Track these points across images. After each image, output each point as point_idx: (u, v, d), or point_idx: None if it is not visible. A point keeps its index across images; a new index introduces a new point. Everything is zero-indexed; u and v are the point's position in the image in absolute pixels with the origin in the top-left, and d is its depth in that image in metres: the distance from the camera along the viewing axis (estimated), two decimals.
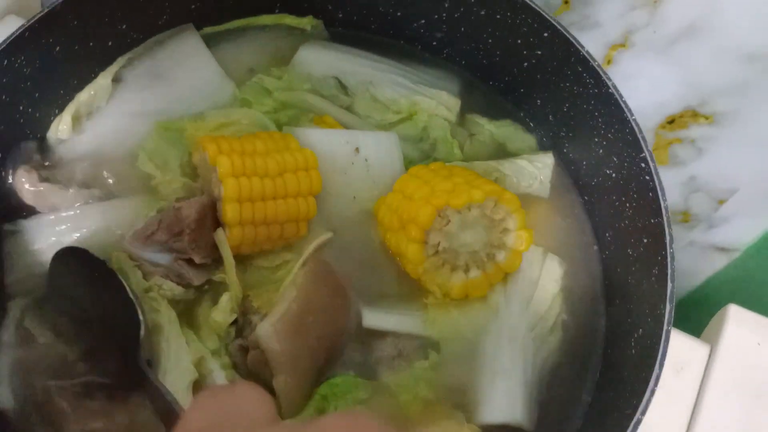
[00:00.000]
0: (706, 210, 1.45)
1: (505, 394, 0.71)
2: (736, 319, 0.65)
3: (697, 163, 1.38)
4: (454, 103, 0.85)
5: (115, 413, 0.66)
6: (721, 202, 1.44)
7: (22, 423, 0.67)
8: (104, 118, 0.79)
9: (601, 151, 0.74)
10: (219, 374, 0.68)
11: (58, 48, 0.74)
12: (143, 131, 0.78)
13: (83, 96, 0.78)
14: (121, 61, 0.80)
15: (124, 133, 0.78)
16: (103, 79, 0.78)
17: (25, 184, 0.74)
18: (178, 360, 0.68)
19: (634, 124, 0.66)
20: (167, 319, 0.69)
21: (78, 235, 0.73)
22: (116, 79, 0.79)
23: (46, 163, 0.77)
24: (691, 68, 1.27)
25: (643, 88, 1.10)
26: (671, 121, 1.32)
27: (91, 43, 0.77)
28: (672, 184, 1.38)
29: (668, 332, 0.57)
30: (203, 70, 0.82)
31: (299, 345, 0.67)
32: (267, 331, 0.65)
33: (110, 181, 0.77)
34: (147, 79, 0.80)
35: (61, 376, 0.68)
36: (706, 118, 1.37)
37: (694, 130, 1.35)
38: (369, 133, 0.81)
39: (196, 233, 0.67)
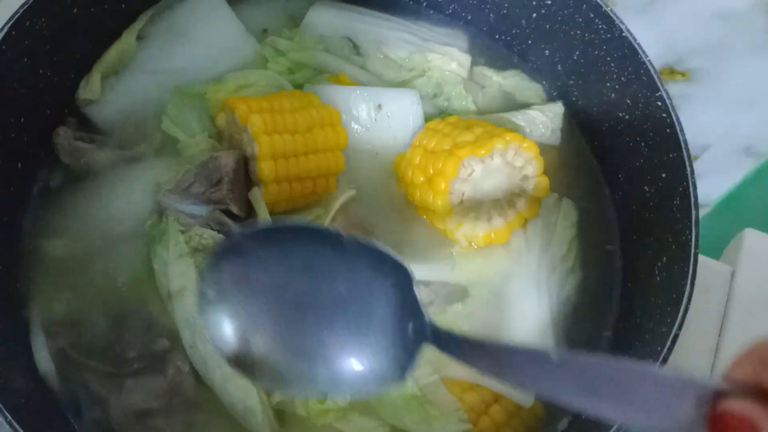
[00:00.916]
0: None
1: (534, 331, 0.75)
2: (753, 241, 0.70)
3: None
4: (465, 59, 0.88)
5: (154, 385, 0.67)
6: (695, 158, 1.51)
7: (64, 397, 0.68)
8: (130, 77, 0.80)
9: (613, 95, 0.77)
10: None
11: (75, 10, 0.74)
12: (167, 89, 0.79)
13: (110, 54, 0.78)
14: (144, 18, 0.80)
15: (149, 91, 0.79)
16: (128, 37, 0.79)
17: (62, 143, 0.74)
18: None
19: (649, 64, 0.70)
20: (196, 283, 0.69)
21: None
22: (140, 37, 0.80)
23: (78, 124, 0.78)
24: (669, 27, 1.33)
25: None
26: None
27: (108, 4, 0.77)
28: None
29: (696, 254, 0.62)
30: (225, 27, 0.83)
31: None
32: None
33: (140, 142, 0.78)
34: (169, 36, 0.81)
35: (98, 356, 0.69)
36: (683, 74, 1.43)
37: (671, 87, 1.41)
38: (391, 89, 0.83)
39: (234, 183, 0.69)
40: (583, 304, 0.78)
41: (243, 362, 0.51)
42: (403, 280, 0.51)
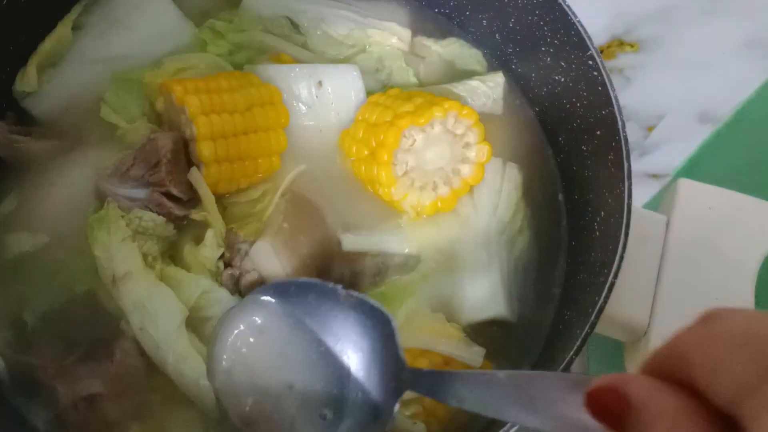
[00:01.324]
0: (637, 138, 1.53)
1: (486, 292, 0.76)
2: (687, 190, 0.71)
3: (626, 92, 1.46)
4: (405, 33, 0.88)
5: (101, 370, 0.67)
6: (651, 129, 1.53)
7: (14, 390, 0.68)
8: (68, 67, 0.79)
9: (548, 59, 0.79)
10: (230, 301, 0.69)
11: (5, 2, 0.73)
12: (106, 78, 0.78)
13: (45, 46, 0.78)
14: (78, 8, 0.80)
15: (87, 81, 0.79)
16: (63, 27, 0.78)
17: None
18: (163, 303, 0.68)
19: (579, 25, 0.71)
20: (142, 267, 0.69)
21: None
22: (76, 27, 0.79)
23: (16, 116, 0.77)
24: None
25: None
26: (600, 52, 1.38)
27: None
28: None
29: (629, 205, 0.63)
30: (161, 13, 0.83)
31: (295, 262, 0.70)
32: (266, 246, 0.68)
33: (78, 132, 0.77)
34: (106, 24, 0.81)
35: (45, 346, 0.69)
36: (632, 46, 1.45)
37: (621, 59, 1.43)
38: (331, 66, 0.83)
39: (172, 164, 0.68)
40: (532, 263, 0.79)
41: (248, 420, 0.58)
42: (387, 328, 0.56)
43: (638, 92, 1.46)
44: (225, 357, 0.60)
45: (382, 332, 0.57)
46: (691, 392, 0.32)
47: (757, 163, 1.16)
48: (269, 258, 0.67)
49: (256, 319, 0.60)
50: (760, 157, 1.17)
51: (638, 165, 1.53)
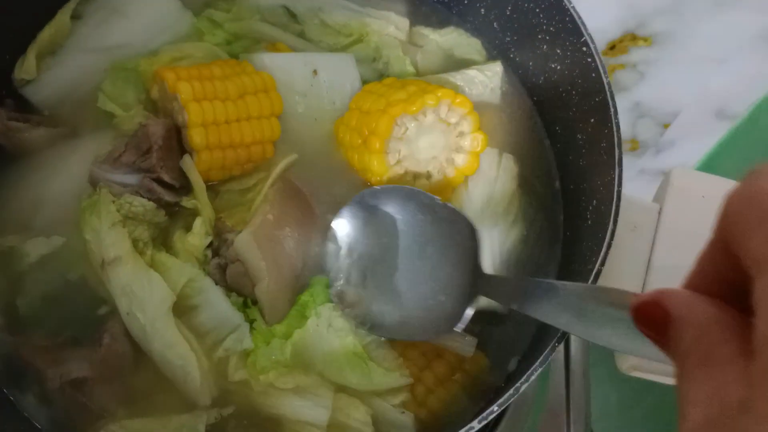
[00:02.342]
0: (653, 135, 1.51)
1: None
2: (681, 178, 0.70)
3: (640, 87, 1.43)
4: (403, 22, 0.88)
5: (89, 354, 0.68)
6: (666, 126, 1.50)
7: (3, 374, 0.69)
8: (67, 56, 0.80)
9: (545, 47, 0.77)
10: (214, 291, 0.69)
11: None
12: (104, 67, 0.79)
13: (45, 34, 0.79)
14: None
15: (85, 69, 0.79)
16: (63, 16, 0.79)
17: None
18: (152, 288, 0.68)
19: (573, 11, 0.70)
20: (131, 252, 0.70)
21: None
22: (75, 16, 0.80)
23: (14, 104, 0.78)
24: None
25: (583, 15, 1.14)
26: (612, 47, 1.37)
27: None
28: (619, 111, 1.42)
29: (619, 192, 0.62)
30: (159, 3, 0.83)
31: (278, 252, 0.70)
32: (247, 238, 0.67)
33: (76, 120, 0.78)
34: (104, 14, 0.81)
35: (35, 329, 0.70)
36: (645, 40, 1.42)
37: (635, 53, 1.40)
38: (326, 54, 0.83)
39: (163, 151, 0.69)
40: (526, 254, 0.78)
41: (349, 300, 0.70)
42: (473, 240, 0.66)
43: (652, 88, 1.43)
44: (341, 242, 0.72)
45: (468, 243, 0.66)
46: (726, 302, 0.34)
47: None
48: (251, 250, 0.67)
49: (366, 214, 0.72)
50: None
51: (653, 163, 1.50)
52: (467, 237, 0.66)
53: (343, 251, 0.73)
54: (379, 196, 0.72)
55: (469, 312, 0.64)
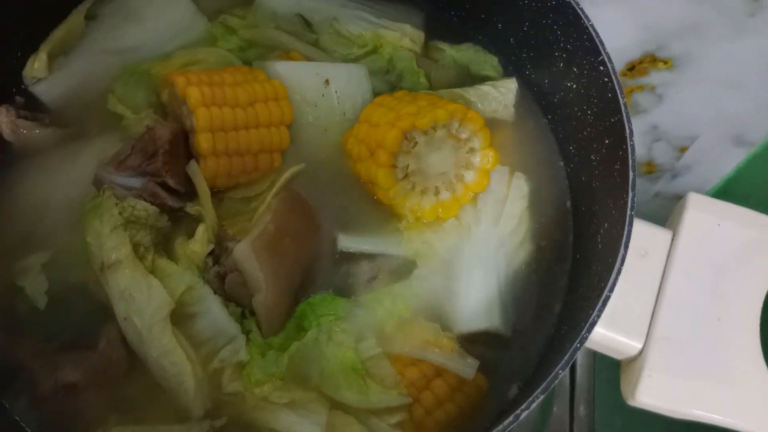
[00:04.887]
0: (669, 159, 1.49)
1: (481, 303, 0.73)
2: (696, 204, 0.68)
3: (658, 110, 1.41)
4: (418, 35, 0.87)
5: (83, 360, 0.67)
6: (683, 149, 1.48)
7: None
8: (78, 57, 0.80)
9: (561, 64, 0.76)
10: (212, 300, 0.68)
11: None
12: (116, 69, 0.79)
13: (58, 34, 0.78)
14: None
15: (97, 70, 0.79)
16: (76, 17, 0.79)
17: (4, 122, 0.74)
18: (150, 293, 0.67)
19: (591, 29, 0.68)
20: (131, 256, 0.68)
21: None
22: (89, 17, 0.80)
23: (24, 102, 0.78)
24: (645, 11, 1.30)
25: (601, 34, 1.13)
26: (631, 68, 1.35)
27: None
28: (635, 134, 1.41)
29: (632, 216, 0.60)
30: (175, 6, 0.83)
31: (277, 263, 0.68)
32: (245, 249, 0.66)
33: (84, 121, 0.78)
34: (119, 16, 0.81)
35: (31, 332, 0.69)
36: (665, 62, 1.40)
37: (654, 76, 1.38)
38: (339, 65, 0.82)
39: (169, 155, 0.68)
40: (533, 277, 0.77)
41: None
42: None
43: (671, 110, 1.41)
44: None
45: None
46: None
47: None
48: (249, 260, 0.66)
49: None
50: None
51: (670, 187, 1.48)
52: None
53: None
54: None
55: None
